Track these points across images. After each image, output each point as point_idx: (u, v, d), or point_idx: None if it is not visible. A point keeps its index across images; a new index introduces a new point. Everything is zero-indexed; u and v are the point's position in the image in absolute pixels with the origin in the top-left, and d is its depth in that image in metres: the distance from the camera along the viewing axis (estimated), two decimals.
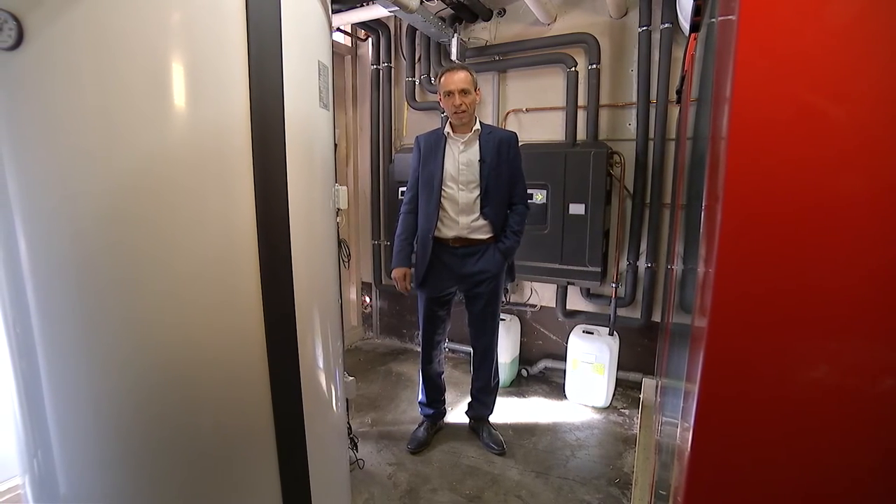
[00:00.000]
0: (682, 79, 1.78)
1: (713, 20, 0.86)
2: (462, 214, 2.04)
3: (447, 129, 2.05)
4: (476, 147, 2.02)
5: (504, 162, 2.02)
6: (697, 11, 1.09)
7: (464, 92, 1.93)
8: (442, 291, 2.15)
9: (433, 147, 2.07)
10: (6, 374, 1.08)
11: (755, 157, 0.46)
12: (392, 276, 2.17)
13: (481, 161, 2.00)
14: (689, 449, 0.52)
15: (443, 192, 2.04)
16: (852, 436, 0.47)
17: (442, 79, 1.97)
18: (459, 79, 1.92)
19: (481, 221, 2.04)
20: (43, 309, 0.98)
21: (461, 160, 2.02)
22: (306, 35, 1.15)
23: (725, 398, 0.51)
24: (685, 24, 2.14)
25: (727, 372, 0.50)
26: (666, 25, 2.45)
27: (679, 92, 1.95)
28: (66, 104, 0.91)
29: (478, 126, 2.02)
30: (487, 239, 2.06)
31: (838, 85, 0.45)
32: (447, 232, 2.06)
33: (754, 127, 0.46)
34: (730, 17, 0.52)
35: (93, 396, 1.00)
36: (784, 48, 0.45)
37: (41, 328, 0.99)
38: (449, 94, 1.94)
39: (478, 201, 2.02)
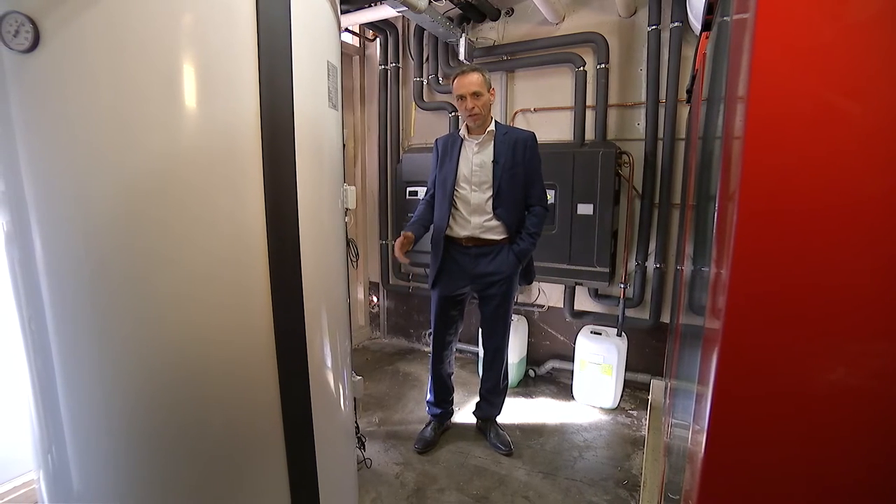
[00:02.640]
0: (693, 78, 1.76)
1: (725, 18, 0.85)
2: (474, 215, 2.04)
3: (463, 130, 2.06)
4: (490, 148, 2.02)
5: (520, 163, 2.01)
6: (710, 10, 1.08)
7: (475, 95, 1.93)
8: (455, 291, 2.15)
9: (450, 149, 2.09)
10: (21, 371, 1.10)
11: (771, 154, 0.46)
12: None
13: (494, 162, 2.00)
14: (702, 452, 0.52)
15: (455, 193, 2.05)
16: (872, 439, 0.46)
17: (454, 82, 1.97)
18: (471, 82, 1.93)
19: (494, 222, 2.04)
20: (57, 307, 1.00)
21: (475, 161, 2.03)
22: (315, 36, 1.16)
23: (740, 401, 0.50)
24: (695, 23, 2.12)
25: (742, 374, 0.49)
26: (676, 24, 2.43)
27: (689, 91, 1.94)
28: (81, 106, 0.92)
29: (492, 127, 2.02)
30: (501, 240, 2.06)
31: (857, 82, 0.45)
32: (460, 231, 2.06)
33: (771, 124, 0.46)
34: (746, 14, 0.51)
35: (105, 394, 1.01)
36: (801, 45, 0.45)
37: (55, 326, 1.01)
38: (461, 97, 1.95)
39: (490, 202, 2.02)
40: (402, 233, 2.12)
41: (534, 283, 3.03)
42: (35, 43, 0.89)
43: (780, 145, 0.46)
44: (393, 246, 3.42)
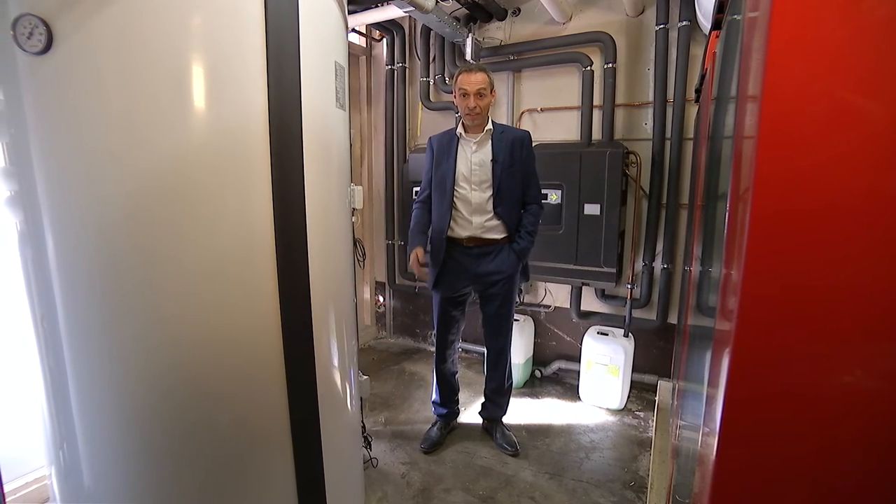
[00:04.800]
0: (703, 77, 1.75)
1: (736, 17, 0.84)
2: (475, 214, 2.03)
3: (460, 129, 2.05)
4: (489, 147, 2.02)
5: (517, 162, 2.01)
6: (720, 8, 1.07)
7: (479, 94, 1.92)
8: (456, 291, 2.15)
9: (446, 147, 2.07)
10: (34, 368, 1.11)
11: (785, 154, 0.45)
12: (409, 256, 2.16)
13: (494, 161, 1.99)
14: (714, 454, 0.51)
15: (455, 193, 2.04)
16: (888, 442, 0.45)
17: (459, 78, 1.96)
18: (476, 80, 1.92)
19: (495, 221, 2.03)
20: (69, 306, 1.01)
21: (473, 160, 2.02)
22: (323, 36, 1.16)
23: (752, 403, 0.49)
24: (704, 22, 2.10)
25: (754, 376, 0.49)
26: (684, 23, 2.41)
27: (698, 91, 1.92)
28: (92, 107, 0.93)
29: (490, 126, 2.02)
30: (501, 239, 2.06)
31: (872, 81, 0.44)
32: (461, 232, 2.06)
33: (784, 123, 0.45)
34: (759, 12, 0.51)
35: (115, 391, 1.02)
36: (816, 44, 0.44)
37: (67, 324, 1.02)
38: (464, 94, 1.94)
39: (491, 201, 2.01)
40: (411, 250, 2.14)
41: (540, 283, 3.03)
42: (48, 45, 0.90)
43: (794, 144, 0.45)
44: (399, 246, 3.48)
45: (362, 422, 1.74)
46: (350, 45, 3.19)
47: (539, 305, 3.10)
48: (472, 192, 2.03)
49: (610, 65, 2.61)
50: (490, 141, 2.01)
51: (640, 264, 2.74)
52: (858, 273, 0.46)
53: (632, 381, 2.75)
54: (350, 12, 2.67)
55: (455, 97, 2.01)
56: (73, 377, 1.03)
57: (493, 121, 2.05)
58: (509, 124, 2.89)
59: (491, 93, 1.98)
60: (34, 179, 0.97)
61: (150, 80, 0.93)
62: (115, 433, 1.04)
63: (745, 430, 0.50)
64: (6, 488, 1.71)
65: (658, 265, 2.69)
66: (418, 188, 3.11)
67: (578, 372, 2.79)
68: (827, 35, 0.44)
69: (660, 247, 2.68)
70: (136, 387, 1.02)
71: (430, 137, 2.16)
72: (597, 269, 2.62)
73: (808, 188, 0.46)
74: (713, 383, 0.60)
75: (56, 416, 1.09)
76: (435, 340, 2.27)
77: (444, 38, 3.01)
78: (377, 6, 2.65)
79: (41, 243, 1.00)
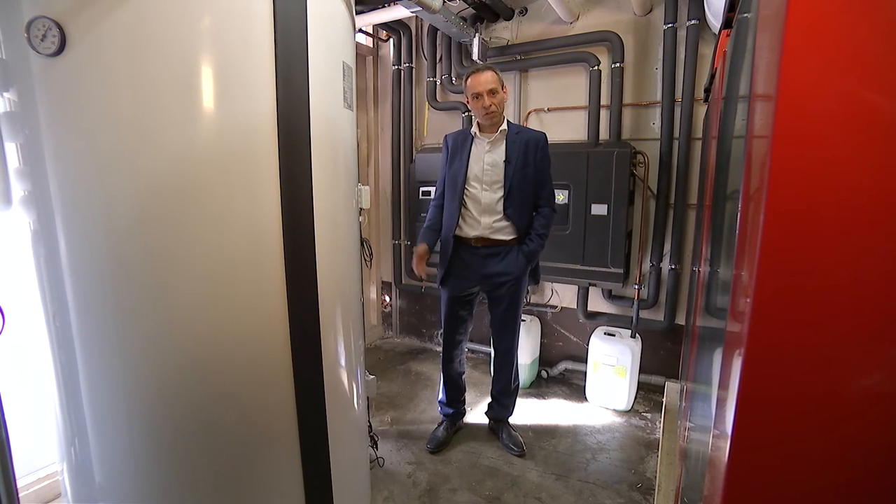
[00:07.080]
0: (712, 76, 1.73)
1: (746, 15, 0.83)
2: (484, 214, 2.03)
3: (474, 128, 2.05)
4: (502, 147, 2.01)
5: (531, 163, 2.00)
6: (731, 7, 1.06)
7: (492, 92, 1.92)
8: (464, 290, 2.15)
9: (460, 146, 2.08)
10: (46, 366, 1.13)
11: (800, 153, 0.45)
12: (414, 251, 2.17)
13: (506, 162, 1.99)
14: (726, 457, 0.51)
15: (466, 192, 2.04)
16: None
17: (468, 81, 1.96)
18: (486, 79, 1.92)
19: (504, 223, 2.03)
20: (80, 304, 1.02)
21: (486, 160, 2.02)
22: (331, 37, 1.17)
23: (766, 406, 0.49)
24: (713, 21, 2.08)
25: (767, 377, 0.48)
26: (692, 22, 2.39)
27: (708, 90, 1.90)
28: (103, 108, 0.94)
29: (504, 126, 2.01)
30: (510, 240, 2.05)
31: (888, 79, 0.43)
32: (469, 231, 2.06)
33: (799, 122, 0.45)
34: (773, 10, 0.50)
35: (125, 389, 1.03)
36: (833, 41, 0.43)
37: (78, 322, 1.03)
38: (477, 96, 1.94)
39: (501, 202, 2.01)
40: (416, 246, 2.13)
41: (546, 283, 3.02)
42: (61, 47, 0.91)
43: (808, 143, 0.45)
44: (406, 246, 3.48)
45: (369, 421, 1.75)
46: (357, 45, 3.20)
47: (546, 306, 3.09)
48: (483, 192, 2.02)
49: (617, 64, 2.59)
50: (504, 141, 2.01)
51: (647, 265, 2.72)
52: (873, 273, 0.45)
53: (639, 383, 2.73)
54: (357, 13, 2.68)
55: (468, 102, 2.01)
56: (84, 374, 1.05)
57: (508, 121, 2.05)
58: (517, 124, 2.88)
59: (503, 89, 1.98)
60: (47, 179, 0.99)
61: (161, 80, 0.94)
62: (126, 430, 1.05)
63: (757, 433, 0.50)
64: (18, 484, 1.73)
65: (666, 265, 2.67)
66: (425, 188, 3.16)
67: (585, 373, 2.77)
68: (843, 32, 0.44)
69: (667, 247, 2.66)
70: (146, 384, 1.03)
71: (445, 136, 2.17)
72: (604, 269, 2.60)
73: (822, 187, 0.45)
74: (724, 385, 0.60)
75: (67, 413, 1.11)
76: (442, 340, 2.27)
77: (450, 38, 3.01)
78: (384, 6, 2.65)
79: (53, 242, 1.01)
